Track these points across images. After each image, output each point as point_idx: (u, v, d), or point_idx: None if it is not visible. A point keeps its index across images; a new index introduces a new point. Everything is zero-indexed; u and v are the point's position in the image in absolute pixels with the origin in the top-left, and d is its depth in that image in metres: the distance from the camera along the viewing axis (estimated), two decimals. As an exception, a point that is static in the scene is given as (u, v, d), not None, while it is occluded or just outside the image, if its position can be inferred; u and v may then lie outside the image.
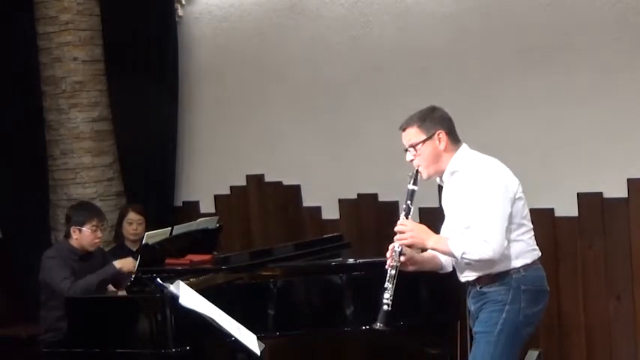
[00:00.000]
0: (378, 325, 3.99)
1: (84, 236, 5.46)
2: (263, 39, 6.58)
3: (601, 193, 5.55)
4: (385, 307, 3.98)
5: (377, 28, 6.17)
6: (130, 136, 6.89)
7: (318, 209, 6.51)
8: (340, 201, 6.40)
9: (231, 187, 6.84)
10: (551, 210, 5.68)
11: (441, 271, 4.22)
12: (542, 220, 5.69)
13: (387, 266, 4.01)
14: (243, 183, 6.79)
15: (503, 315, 3.95)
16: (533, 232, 4.07)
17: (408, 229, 4.00)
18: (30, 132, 6.74)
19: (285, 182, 6.62)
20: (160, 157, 6.95)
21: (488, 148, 5.76)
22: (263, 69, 6.61)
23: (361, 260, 5.22)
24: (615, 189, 5.50)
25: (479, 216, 3.87)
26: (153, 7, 6.86)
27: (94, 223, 5.49)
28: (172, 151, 6.98)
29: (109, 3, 6.83)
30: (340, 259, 5.54)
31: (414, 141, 4.05)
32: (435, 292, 5.13)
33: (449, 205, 4.08)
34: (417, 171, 4.06)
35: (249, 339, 4.22)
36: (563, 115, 5.61)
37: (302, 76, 6.47)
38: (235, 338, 4.23)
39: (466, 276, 4.08)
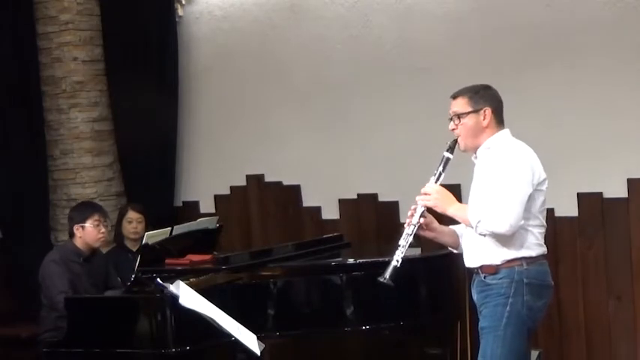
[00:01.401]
0: (384, 279, 4.04)
1: (87, 232, 5.45)
2: (263, 39, 6.58)
3: (601, 193, 5.55)
4: (395, 263, 4.04)
5: (377, 28, 6.17)
6: (130, 136, 6.89)
7: (318, 209, 6.51)
8: (340, 201, 6.40)
9: (231, 187, 6.84)
10: (551, 210, 5.66)
11: (456, 250, 4.28)
12: (543, 220, 5.71)
13: (405, 224, 4.10)
14: (243, 183, 6.79)
15: (508, 308, 3.99)
16: (544, 230, 4.12)
17: (433, 192, 4.08)
18: (30, 132, 6.74)
19: (285, 182, 6.62)
20: (160, 157, 6.95)
21: (488, 148, 5.77)
22: (263, 69, 6.60)
23: (361, 260, 5.22)
24: (615, 189, 5.50)
25: (500, 190, 3.93)
26: (153, 7, 6.86)
27: (96, 217, 5.47)
28: (172, 151, 6.97)
29: (109, 3, 6.83)
30: (340, 259, 5.54)
31: (460, 111, 4.13)
32: (435, 292, 5.13)
33: (478, 178, 4.13)
34: (456, 141, 4.14)
35: (249, 339, 4.21)
36: (563, 115, 5.61)
37: (302, 76, 6.46)
38: (235, 338, 4.23)
39: (471, 261, 4.13)
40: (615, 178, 5.48)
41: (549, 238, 5.64)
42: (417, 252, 5.42)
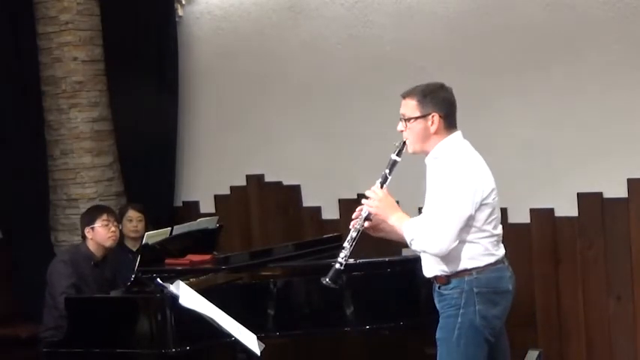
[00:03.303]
0: (326, 281, 4.03)
1: (97, 233, 5.50)
2: (263, 39, 6.58)
3: (601, 193, 5.55)
4: (337, 266, 4.03)
5: (377, 28, 6.17)
6: (130, 136, 6.89)
7: (318, 209, 6.51)
8: (340, 201, 6.40)
9: (231, 187, 6.84)
10: (551, 210, 5.68)
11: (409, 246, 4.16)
12: (542, 220, 5.71)
13: (350, 226, 4.07)
14: (243, 183, 6.79)
15: (459, 319, 3.94)
16: (496, 239, 4.02)
17: (376, 198, 4.04)
18: (30, 132, 6.73)
19: (285, 182, 6.62)
20: (160, 157, 6.95)
21: (488, 148, 5.77)
22: (263, 69, 6.60)
23: (361, 260, 5.21)
24: (615, 189, 5.50)
25: (438, 211, 3.88)
26: (153, 7, 6.86)
27: (104, 217, 5.53)
28: (172, 151, 6.98)
29: (109, 3, 6.83)
30: (340, 259, 5.53)
31: (408, 115, 4.04)
32: (435, 292, 5.12)
33: (427, 191, 4.07)
34: (404, 143, 4.06)
35: (249, 339, 4.21)
36: (563, 115, 5.61)
37: (302, 76, 6.46)
38: (235, 338, 4.23)
39: (427, 272, 4.09)
40: (615, 178, 5.48)
41: (549, 238, 5.69)
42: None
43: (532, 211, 5.74)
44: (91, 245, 5.52)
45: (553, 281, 5.72)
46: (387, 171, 4.09)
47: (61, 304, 5.13)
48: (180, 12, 6.87)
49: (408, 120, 4.03)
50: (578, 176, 5.58)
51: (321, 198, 6.48)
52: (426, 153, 4.05)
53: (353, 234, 4.06)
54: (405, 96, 4.08)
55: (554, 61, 5.61)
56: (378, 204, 4.03)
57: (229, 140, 6.81)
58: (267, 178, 6.70)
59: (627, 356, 5.57)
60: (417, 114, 4.01)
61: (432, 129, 4.00)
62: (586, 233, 5.62)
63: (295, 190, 6.59)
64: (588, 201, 5.58)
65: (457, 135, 4.06)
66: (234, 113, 6.77)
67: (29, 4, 6.70)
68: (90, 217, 5.57)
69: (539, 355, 5.43)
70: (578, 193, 5.61)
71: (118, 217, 5.89)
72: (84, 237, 5.57)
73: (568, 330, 5.73)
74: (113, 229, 5.56)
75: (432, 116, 3.99)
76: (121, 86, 6.83)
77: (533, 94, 5.67)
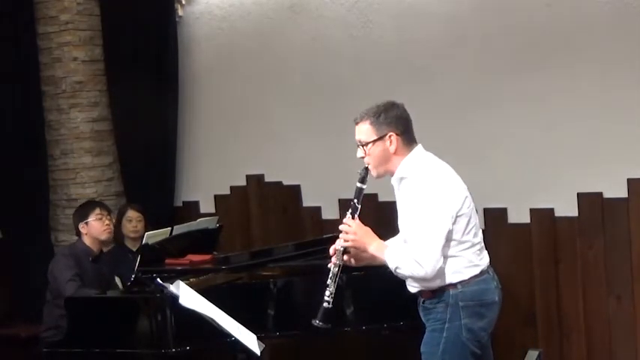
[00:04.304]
0: (317, 323, 3.99)
1: (92, 227, 5.55)
2: (263, 39, 6.58)
3: (601, 193, 5.55)
4: (325, 305, 3.97)
5: (377, 28, 6.16)
6: (130, 136, 6.89)
7: (318, 209, 6.50)
8: (340, 201, 6.40)
9: (231, 187, 6.84)
10: (551, 210, 5.68)
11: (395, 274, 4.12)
12: (542, 220, 5.71)
13: (329, 264, 4.01)
14: (243, 183, 6.79)
15: (444, 334, 3.90)
16: (479, 247, 3.98)
17: (351, 231, 3.99)
18: (30, 132, 6.74)
19: (285, 182, 6.62)
20: (160, 157, 6.95)
21: (489, 148, 5.80)
22: (263, 69, 6.60)
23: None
24: (615, 189, 5.49)
25: (415, 234, 3.83)
26: (153, 7, 6.86)
27: (97, 211, 5.60)
28: (172, 151, 6.98)
29: (109, 3, 6.83)
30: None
31: (364, 140, 3.97)
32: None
33: (400, 211, 4.03)
34: (367, 169, 4.01)
35: (249, 339, 4.21)
36: (563, 115, 5.61)
37: (302, 75, 6.46)
38: (235, 338, 4.23)
39: (411, 287, 4.04)
40: (615, 178, 5.47)
41: (549, 238, 5.68)
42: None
43: (532, 211, 5.74)
44: (87, 240, 5.56)
45: (553, 281, 5.72)
46: (355, 200, 4.03)
47: (68, 291, 5.18)
48: (180, 12, 6.87)
49: (365, 145, 3.97)
50: (578, 176, 5.58)
51: (321, 198, 6.48)
52: (392, 173, 4.01)
53: (334, 270, 3.99)
54: (357, 121, 4.00)
55: (554, 61, 5.61)
56: (353, 237, 3.99)
57: (229, 140, 6.81)
58: (267, 178, 6.69)
59: (627, 356, 5.57)
60: (374, 137, 3.95)
61: (392, 149, 3.94)
62: (586, 233, 5.62)
63: (295, 190, 6.59)
64: (588, 201, 5.58)
65: (418, 150, 4.01)
66: (234, 113, 6.77)
67: (29, 4, 6.70)
68: (83, 212, 5.62)
69: (539, 355, 5.42)
70: (578, 193, 5.61)
71: (113, 213, 5.91)
72: (78, 233, 5.61)
73: (568, 330, 5.73)
74: (107, 222, 5.62)
75: (389, 136, 3.94)
76: (121, 86, 6.83)
77: (533, 94, 5.67)
